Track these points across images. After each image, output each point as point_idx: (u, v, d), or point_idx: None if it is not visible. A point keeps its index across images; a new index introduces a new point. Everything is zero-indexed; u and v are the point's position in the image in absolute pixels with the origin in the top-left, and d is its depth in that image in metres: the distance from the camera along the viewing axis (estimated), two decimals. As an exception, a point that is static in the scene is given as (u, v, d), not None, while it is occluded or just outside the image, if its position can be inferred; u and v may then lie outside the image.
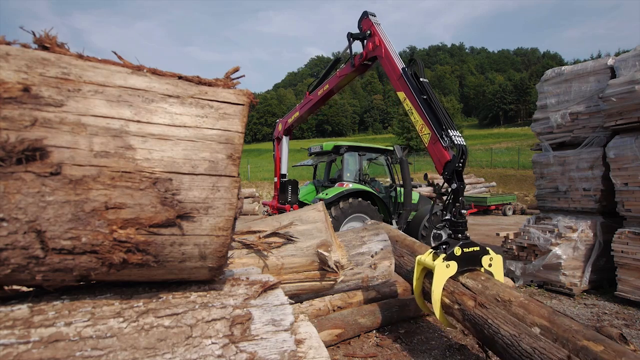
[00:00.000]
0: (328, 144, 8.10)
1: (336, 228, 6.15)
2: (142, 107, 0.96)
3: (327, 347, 2.83)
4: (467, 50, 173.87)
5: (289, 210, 6.79)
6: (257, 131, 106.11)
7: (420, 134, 4.14)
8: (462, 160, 3.51)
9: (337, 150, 7.78)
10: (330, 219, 3.48)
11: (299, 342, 1.15)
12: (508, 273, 5.53)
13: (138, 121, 0.95)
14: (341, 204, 6.63)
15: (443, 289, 2.94)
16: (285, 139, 8.18)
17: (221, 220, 1.02)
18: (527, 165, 24.21)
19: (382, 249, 4.16)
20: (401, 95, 4.49)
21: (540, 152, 6.07)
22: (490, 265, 3.08)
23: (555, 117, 5.67)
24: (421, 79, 4.26)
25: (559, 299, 4.83)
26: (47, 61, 0.90)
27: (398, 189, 7.61)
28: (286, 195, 8.13)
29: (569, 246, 4.96)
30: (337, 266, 3.12)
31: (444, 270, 2.94)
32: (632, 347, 2.62)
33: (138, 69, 1.01)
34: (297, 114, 7.68)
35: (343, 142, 8.20)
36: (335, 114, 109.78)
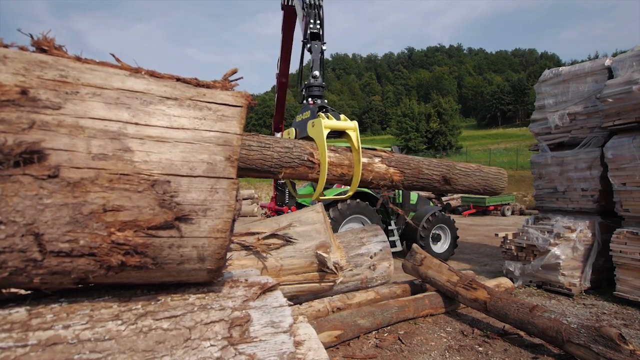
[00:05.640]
0: None
1: (335, 229, 6.14)
2: (140, 110, 0.96)
3: (326, 348, 2.83)
4: (465, 51, 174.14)
5: (288, 212, 6.79)
6: (255, 133, 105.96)
7: None
8: (318, 22, 3.72)
9: None
10: (329, 221, 3.47)
11: (298, 344, 1.15)
12: (507, 273, 5.54)
13: (136, 123, 0.95)
14: (339, 206, 6.62)
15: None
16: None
17: (220, 222, 1.02)
18: (526, 166, 24.24)
19: (381, 250, 4.16)
20: None
21: (538, 153, 6.08)
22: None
23: (553, 117, 5.69)
24: None
25: (558, 299, 4.83)
26: (45, 64, 0.90)
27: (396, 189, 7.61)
28: (284, 197, 8.13)
29: (568, 246, 4.97)
30: (336, 267, 3.12)
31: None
32: (631, 347, 2.62)
33: (136, 71, 1.01)
34: (275, 102, 8.21)
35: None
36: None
